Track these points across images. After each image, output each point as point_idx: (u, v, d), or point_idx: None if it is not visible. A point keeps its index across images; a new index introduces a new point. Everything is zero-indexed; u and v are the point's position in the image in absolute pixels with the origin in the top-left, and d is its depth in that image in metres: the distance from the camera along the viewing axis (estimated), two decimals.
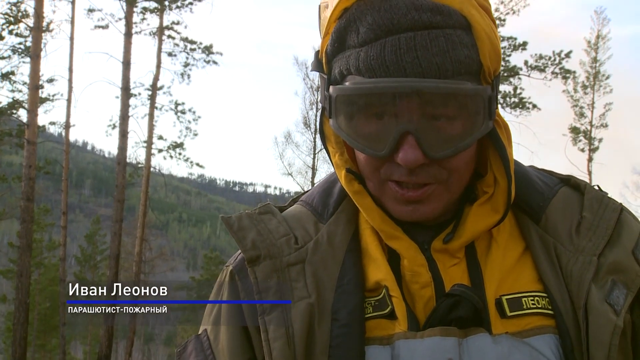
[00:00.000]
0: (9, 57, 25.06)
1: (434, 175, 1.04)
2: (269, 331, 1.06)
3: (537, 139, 24.81)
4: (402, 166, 1.01)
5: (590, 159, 26.65)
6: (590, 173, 26.61)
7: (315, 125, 28.71)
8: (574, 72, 25.68)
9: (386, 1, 0.98)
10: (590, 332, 1.01)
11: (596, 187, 1.19)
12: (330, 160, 1.16)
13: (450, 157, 1.02)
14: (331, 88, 1.04)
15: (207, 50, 25.31)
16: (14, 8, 24.54)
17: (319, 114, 1.18)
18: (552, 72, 23.35)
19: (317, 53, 1.11)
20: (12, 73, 25.08)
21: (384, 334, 1.04)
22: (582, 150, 26.73)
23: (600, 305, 1.03)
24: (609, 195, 1.16)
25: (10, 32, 24.94)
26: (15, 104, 24.58)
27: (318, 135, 1.19)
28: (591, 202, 1.14)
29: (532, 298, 1.06)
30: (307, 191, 1.28)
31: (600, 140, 26.76)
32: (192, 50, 25.17)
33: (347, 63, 1.02)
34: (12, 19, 24.47)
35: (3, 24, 24.77)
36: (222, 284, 1.20)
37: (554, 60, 23.24)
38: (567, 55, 23.80)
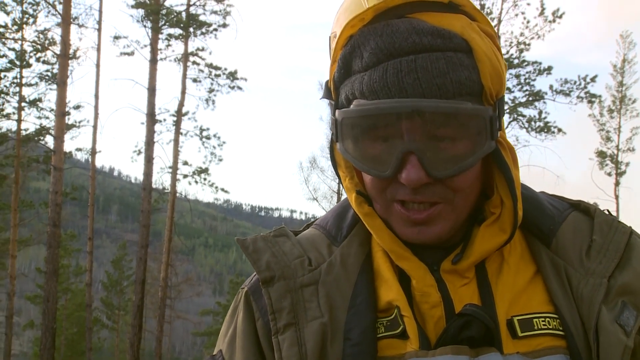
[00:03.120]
0: (36, 84, 25.48)
1: (439, 194, 1.05)
2: (282, 350, 1.08)
3: (563, 163, 24.55)
4: (406, 186, 1.04)
5: (617, 183, 26.55)
6: (617, 197, 26.47)
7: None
8: (600, 96, 25.73)
9: (388, 26, 1.01)
10: (601, 352, 1.02)
11: (606, 212, 1.20)
12: (342, 185, 1.20)
13: (454, 177, 1.04)
14: (337, 112, 1.08)
15: (232, 75, 25.47)
16: (41, 36, 24.96)
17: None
18: (578, 97, 23.28)
19: (327, 82, 1.14)
20: (40, 100, 25.48)
21: (395, 353, 1.06)
22: (609, 174, 26.63)
23: (610, 326, 1.03)
24: (618, 220, 1.17)
25: (38, 60, 25.37)
26: (42, 131, 24.93)
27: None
28: (601, 226, 1.15)
29: (543, 319, 1.07)
30: (322, 216, 1.31)
31: (627, 164, 26.74)
32: (217, 76, 25.34)
33: (352, 88, 1.04)
34: (39, 46, 24.86)
35: (30, 52, 25.19)
36: (237, 305, 1.22)
37: (579, 84, 23.18)
38: (593, 79, 23.73)
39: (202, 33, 24.47)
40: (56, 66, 21.89)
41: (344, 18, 1.07)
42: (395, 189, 1.06)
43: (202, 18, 24.15)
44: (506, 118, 23.32)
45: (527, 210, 1.16)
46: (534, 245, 1.16)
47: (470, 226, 1.13)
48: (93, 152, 23.85)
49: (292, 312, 1.10)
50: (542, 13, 23.12)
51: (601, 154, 26.51)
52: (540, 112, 23.48)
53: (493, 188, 1.13)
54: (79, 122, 26.19)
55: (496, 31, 1.11)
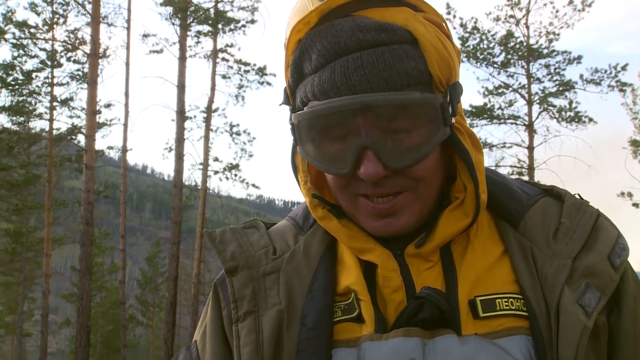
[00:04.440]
0: (67, 83, 25.74)
1: (400, 184, 1.07)
2: (240, 337, 1.10)
3: (595, 153, 24.29)
4: (366, 181, 1.05)
5: None
6: None
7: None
8: (632, 84, 25.29)
9: (332, 27, 1.03)
10: (560, 333, 1.02)
11: (577, 195, 1.22)
12: (300, 189, 1.21)
13: (413, 166, 1.05)
14: (292, 116, 1.09)
15: (261, 71, 25.45)
16: (71, 35, 25.17)
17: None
18: (609, 85, 22.98)
19: (285, 88, 1.15)
20: (71, 99, 25.75)
21: (351, 336, 1.07)
22: None
23: (571, 306, 1.04)
24: (587, 203, 1.19)
25: (68, 59, 25.61)
26: (74, 130, 25.17)
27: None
28: (570, 209, 1.17)
29: (506, 300, 1.07)
30: (296, 208, 1.35)
31: None
32: (246, 72, 25.36)
33: (306, 91, 1.06)
34: (69, 46, 25.08)
35: (61, 51, 25.42)
36: (209, 296, 1.26)
37: (610, 73, 22.87)
38: (623, 68, 23.35)
39: (231, 29, 24.49)
40: (86, 65, 22.11)
41: (292, 24, 1.09)
42: (357, 185, 1.08)
43: (230, 14, 24.17)
44: (536, 108, 23.29)
45: (495, 193, 1.18)
46: (502, 227, 1.17)
47: (438, 212, 1.14)
48: (124, 150, 24.00)
49: (253, 301, 1.13)
50: (571, 2, 22.87)
51: (634, 143, 26.17)
52: (570, 102, 23.24)
53: (456, 173, 1.15)
54: (110, 120, 26.47)
55: (444, 21, 1.12)
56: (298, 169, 1.21)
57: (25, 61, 25.15)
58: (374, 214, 1.09)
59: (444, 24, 1.11)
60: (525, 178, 23.29)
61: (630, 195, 25.57)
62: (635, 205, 25.62)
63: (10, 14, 23.85)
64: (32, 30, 24.84)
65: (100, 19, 19.79)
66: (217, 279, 1.24)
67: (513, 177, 1.26)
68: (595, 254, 1.10)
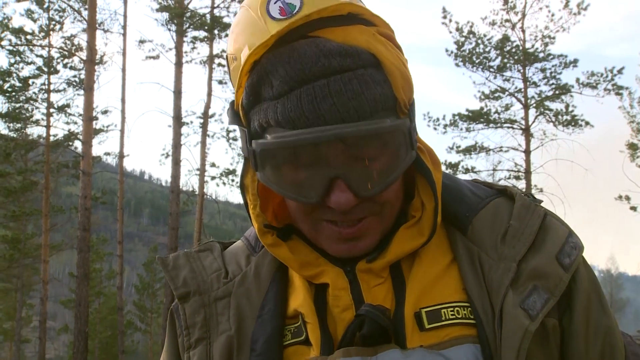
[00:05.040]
0: (64, 90, 25.77)
1: (368, 209, 1.05)
2: None
3: (592, 156, 24.34)
4: (334, 208, 1.02)
5: None
6: None
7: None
8: (628, 88, 25.47)
9: (294, 51, 0.99)
10: (502, 337, 1.01)
11: (527, 196, 1.18)
12: (248, 212, 1.16)
13: (382, 192, 1.03)
14: (254, 143, 1.04)
15: None
16: (67, 42, 25.20)
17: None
18: (605, 89, 23.08)
19: (232, 104, 1.11)
20: (68, 106, 25.80)
21: (301, 359, 1.06)
22: None
23: (513, 310, 1.02)
24: (536, 203, 1.17)
25: (65, 66, 25.67)
26: (70, 136, 25.19)
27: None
28: (519, 210, 1.14)
29: (452, 309, 1.05)
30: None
31: None
32: None
33: (266, 116, 1.01)
34: (66, 52, 25.11)
35: (58, 58, 25.46)
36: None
37: (606, 76, 22.99)
38: (620, 71, 23.62)
39: (227, 35, 24.49)
40: (83, 72, 22.15)
41: (242, 40, 1.04)
42: (322, 212, 1.05)
43: (226, 20, 24.19)
44: (532, 112, 23.34)
45: (445, 199, 1.15)
46: (452, 235, 1.14)
47: (394, 228, 1.12)
48: (121, 155, 24.06)
49: (205, 327, 1.12)
50: (566, 5, 23.02)
51: (632, 146, 26.28)
52: (567, 106, 23.38)
53: (414, 190, 1.14)
54: (107, 126, 26.52)
55: (393, 32, 1.09)
56: (247, 190, 1.16)
57: (22, 68, 25.23)
58: (339, 238, 1.07)
59: (393, 35, 1.09)
60: (522, 182, 23.46)
61: (628, 198, 25.63)
62: (632, 208, 25.68)
63: (6, 20, 23.88)
64: (29, 36, 24.91)
65: (97, 26, 19.83)
66: (173, 305, 1.21)
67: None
68: (543, 255, 1.08)
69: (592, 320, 1.09)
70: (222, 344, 1.09)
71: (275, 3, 1.00)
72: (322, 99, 0.96)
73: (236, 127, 1.11)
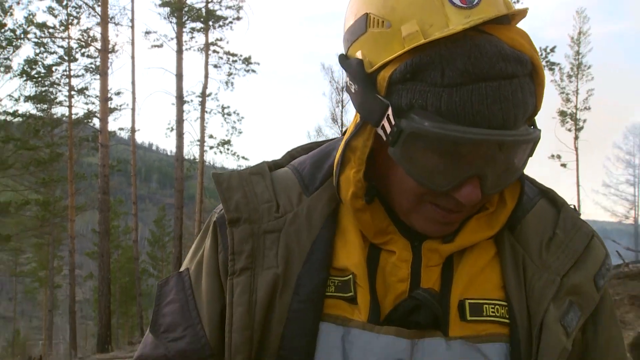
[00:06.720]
0: (83, 75, 25.53)
1: (478, 203, 0.94)
2: (234, 294, 0.95)
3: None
4: (453, 197, 0.89)
5: (576, 137, 26.73)
6: (576, 149, 26.60)
7: (341, 128, 28.55)
8: (559, 64, 25.96)
9: (475, 47, 0.82)
10: (540, 350, 0.91)
11: (573, 207, 1.06)
12: (339, 169, 0.97)
13: None
14: (404, 121, 0.84)
15: (247, 61, 25.36)
16: (84, 34, 24.91)
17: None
18: None
19: (360, 62, 0.89)
20: (86, 89, 25.59)
21: (340, 314, 0.93)
22: (569, 130, 26.90)
23: (554, 325, 0.93)
24: (582, 219, 1.04)
25: (83, 55, 25.39)
26: (89, 115, 25.06)
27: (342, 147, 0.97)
28: (565, 222, 1.02)
29: (492, 306, 0.94)
30: (303, 149, 1.16)
31: (584, 120, 26.87)
32: (234, 61, 25.24)
33: (424, 99, 0.83)
34: (83, 43, 24.83)
35: (76, 48, 25.16)
36: (207, 229, 1.07)
37: (541, 54, 23.04)
38: (552, 50, 23.95)
39: (220, 25, 24.32)
40: (98, 59, 21.89)
41: (408, 10, 0.85)
42: (437, 196, 0.90)
43: (219, 13, 23.99)
44: None
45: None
46: None
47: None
48: (132, 130, 23.96)
49: (251, 257, 0.96)
50: None
51: (562, 113, 26.71)
52: None
53: None
54: (120, 105, 26.32)
55: None
56: (354, 152, 0.94)
57: (46, 57, 24.85)
58: (437, 220, 0.93)
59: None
60: None
61: (559, 157, 26.32)
62: (563, 165, 26.31)
63: (31, 17, 23.54)
64: (51, 30, 24.53)
65: (109, 19, 19.65)
66: (218, 218, 1.04)
67: None
68: (583, 273, 0.97)
69: (613, 333, 1.02)
70: (268, 280, 0.94)
71: None
72: (492, 102, 0.81)
73: (352, 83, 0.91)
